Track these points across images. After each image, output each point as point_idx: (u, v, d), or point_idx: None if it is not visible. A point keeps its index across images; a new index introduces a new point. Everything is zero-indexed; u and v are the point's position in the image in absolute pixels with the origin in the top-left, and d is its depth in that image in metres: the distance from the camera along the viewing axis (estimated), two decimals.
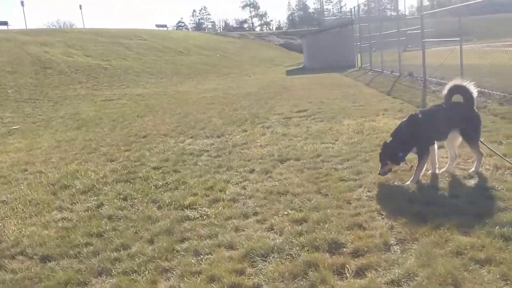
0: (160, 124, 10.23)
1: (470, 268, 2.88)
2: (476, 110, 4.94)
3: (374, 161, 5.23)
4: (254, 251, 3.42)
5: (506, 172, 4.60)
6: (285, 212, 4.16)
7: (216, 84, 22.76)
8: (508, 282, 2.71)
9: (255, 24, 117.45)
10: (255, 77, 26.95)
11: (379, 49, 21.59)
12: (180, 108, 13.12)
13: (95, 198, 5.16)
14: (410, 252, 3.19)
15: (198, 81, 25.33)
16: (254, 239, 3.65)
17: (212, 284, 3.05)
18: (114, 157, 7.14)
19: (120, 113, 13.00)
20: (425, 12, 14.71)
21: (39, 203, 5.11)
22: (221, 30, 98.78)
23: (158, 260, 3.45)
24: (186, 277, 3.18)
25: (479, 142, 4.90)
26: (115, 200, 4.99)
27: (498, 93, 9.19)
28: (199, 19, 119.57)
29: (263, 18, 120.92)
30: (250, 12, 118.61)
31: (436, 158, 4.93)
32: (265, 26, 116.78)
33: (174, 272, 3.28)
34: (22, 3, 57.22)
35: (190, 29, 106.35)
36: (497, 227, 3.34)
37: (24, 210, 4.93)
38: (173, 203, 4.69)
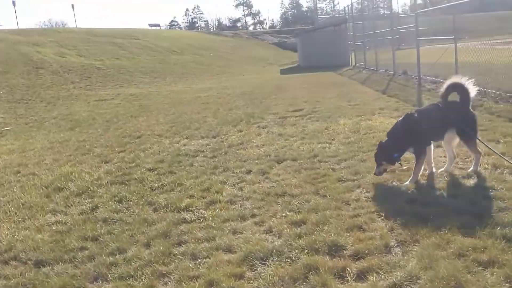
0: (154, 124, 10.15)
1: (473, 270, 2.83)
2: (472, 110, 4.90)
3: (372, 161, 5.18)
4: (252, 254, 3.36)
5: (505, 171, 4.57)
6: (283, 214, 4.11)
7: (210, 83, 22.69)
8: None
9: (249, 23, 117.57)
10: (249, 76, 26.90)
11: (373, 48, 21.59)
12: (175, 108, 13.04)
13: (90, 200, 5.07)
14: (412, 254, 3.14)
15: (192, 80, 25.24)
16: (253, 242, 3.59)
17: None
18: (108, 159, 7.06)
19: (114, 113, 12.90)
20: (419, 11, 14.71)
21: (32, 206, 5.02)
22: (214, 29, 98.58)
23: (155, 265, 3.38)
24: (184, 282, 3.11)
25: (477, 141, 4.86)
26: (110, 202, 4.91)
27: (494, 91, 9.19)
28: (192, 18, 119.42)
29: (257, 17, 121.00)
30: (244, 11, 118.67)
31: (432, 158, 4.90)
32: (258, 25, 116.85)
33: (171, 277, 3.21)
34: (13, 2, 56.82)
35: (183, 28, 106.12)
36: (498, 228, 3.29)
37: (17, 213, 4.84)
38: (169, 205, 4.62)
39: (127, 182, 5.63)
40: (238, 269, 3.20)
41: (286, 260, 3.25)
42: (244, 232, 3.83)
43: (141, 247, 3.72)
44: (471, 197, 4.03)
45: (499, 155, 4.81)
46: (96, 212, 4.67)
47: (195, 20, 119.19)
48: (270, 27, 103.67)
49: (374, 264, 3.05)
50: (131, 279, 3.23)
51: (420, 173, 4.71)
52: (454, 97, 4.87)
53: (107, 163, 6.81)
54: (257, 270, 3.18)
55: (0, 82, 18.60)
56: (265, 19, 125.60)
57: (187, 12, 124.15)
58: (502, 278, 2.72)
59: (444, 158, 5.19)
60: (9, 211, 4.90)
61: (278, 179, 5.20)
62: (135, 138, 8.59)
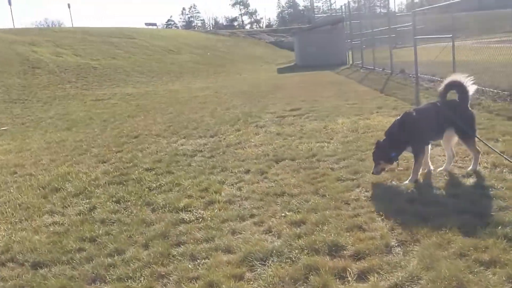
0: (151, 124, 10.11)
1: (475, 270, 2.81)
2: (470, 108, 4.88)
3: (371, 160, 5.13)
4: (252, 254, 3.33)
5: (504, 170, 4.55)
6: (283, 214, 4.08)
7: (207, 83, 22.65)
8: None
9: (245, 22, 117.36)
10: (246, 75, 26.86)
11: (370, 47, 21.58)
12: (172, 107, 13.00)
13: (87, 201, 5.03)
14: (412, 254, 3.12)
15: (189, 80, 25.20)
16: (252, 242, 3.56)
17: None
18: (105, 159, 7.01)
19: (111, 113, 12.85)
20: (417, 9, 14.71)
21: (29, 207, 4.98)
22: (211, 28, 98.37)
23: (153, 266, 3.35)
24: (184, 283, 3.08)
25: (476, 140, 4.85)
26: (108, 203, 4.87)
27: (491, 89, 9.18)
28: (188, 18, 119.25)
29: (253, 16, 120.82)
30: (240, 10, 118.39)
31: (428, 157, 4.89)
32: (255, 24, 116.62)
33: (170, 278, 3.18)
34: (9, 2, 56.32)
35: (180, 28, 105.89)
36: (499, 227, 3.28)
37: (14, 214, 4.79)
38: (167, 205, 4.59)
39: (125, 182, 5.60)
40: (238, 270, 3.17)
41: (286, 260, 3.22)
42: (244, 232, 3.80)
43: (140, 248, 3.69)
44: (471, 196, 4.02)
45: (498, 153, 4.79)
46: (93, 212, 4.63)
47: (192, 19, 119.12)
48: (267, 26, 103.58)
49: (375, 264, 3.03)
50: (129, 280, 3.20)
51: (420, 172, 4.69)
52: (453, 96, 4.86)
53: (104, 163, 6.77)
54: (257, 270, 3.16)
55: None
56: (261, 18, 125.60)
57: (184, 11, 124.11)
58: (504, 278, 2.70)
59: (443, 157, 5.17)
60: (6, 212, 4.86)
61: (277, 178, 5.17)
62: (132, 138, 8.55)
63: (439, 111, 4.80)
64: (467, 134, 4.75)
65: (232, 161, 6.12)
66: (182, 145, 7.55)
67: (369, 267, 3.01)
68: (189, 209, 4.45)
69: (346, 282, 2.91)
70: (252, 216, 4.14)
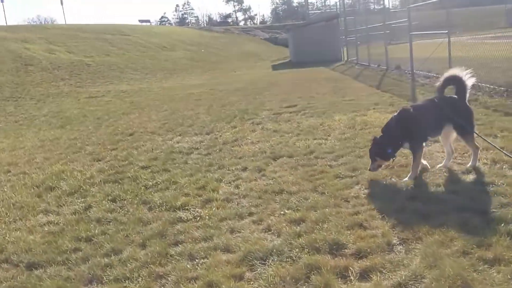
0: (146, 121, 10.02)
1: (479, 268, 2.76)
2: (468, 104, 4.84)
3: (369, 157, 5.11)
4: (252, 254, 3.28)
5: (504, 166, 4.51)
6: (282, 212, 4.03)
7: (202, 79, 22.53)
8: None
9: (239, 19, 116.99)
10: (241, 72, 26.76)
11: (365, 43, 21.54)
12: (167, 104, 12.90)
13: (83, 200, 4.96)
14: (415, 252, 3.07)
15: (183, 77, 25.07)
16: (251, 241, 3.50)
17: None
18: (100, 157, 6.93)
19: (105, 110, 12.74)
20: (412, 5, 14.67)
21: (23, 206, 4.90)
22: (205, 25, 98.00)
23: (151, 266, 3.29)
24: (182, 284, 3.02)
25: (475, 136, 4.81)
26: (104, 201, 4.80)
27: (488, 85, 9.17)
28: (182, 14, 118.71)
29: (247, 12, 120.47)
30: (234, 6, 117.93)
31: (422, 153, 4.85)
32: (249, 20, 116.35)
33: (169, 278, 3.12)
34: None
35: (173, 24, 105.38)
36: (502, 225, 3.24)
37: (8, 214, 4.72)
38: (164, 204, 4.52)
39: (120, 181, 5.52)
40: (238, 270, 3.11)
41: (287, 259, 3.17)
42: (242, 231, 3.74)
43: (137, 248, 3.62)
44: (471, 193, 3.97)
45: (498, 149, 4.75)
46: (89, 211, 4.56)
47: (186, 16, 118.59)
48: (261, 23, 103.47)
49: (377, 263, 2.98)
50: (127, 281, 3.14)
51: (419, 169, 4.65)
52: (450, 92, 4.82)
53: (99, 161, 6.69)
54: (257, 270, 3.10)
55: None
56: (256, 15, 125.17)
57: (177, 8, 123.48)
58: (509, 276, 2.66)
59: (441, 153, 5.13)
60: (0, 212, 4.77)
61: (275, 176, 5.11)
62: (127, 136, 8.46)
63: (437, 107, 4.75)
64: (465, 130, 4.71)
65: (229, 159, 6.05)
66: (178, 142, 7.48)
67: (371, 265, 2.96)
68: (186, 207, 4.39)
69: (348, 282, 2.86)
70: (250, 214, 4.09)
